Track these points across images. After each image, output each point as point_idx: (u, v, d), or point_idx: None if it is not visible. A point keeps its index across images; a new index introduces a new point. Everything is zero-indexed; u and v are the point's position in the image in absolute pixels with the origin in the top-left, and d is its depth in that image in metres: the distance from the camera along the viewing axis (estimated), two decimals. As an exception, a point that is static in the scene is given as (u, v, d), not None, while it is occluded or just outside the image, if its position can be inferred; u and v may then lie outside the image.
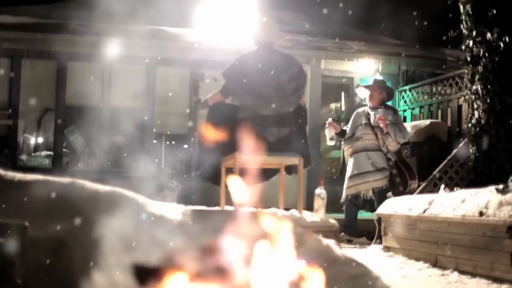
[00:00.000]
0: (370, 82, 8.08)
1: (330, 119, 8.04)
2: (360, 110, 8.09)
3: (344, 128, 8.17)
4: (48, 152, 10.51)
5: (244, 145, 5.30)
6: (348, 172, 7.87)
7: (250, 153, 5.35)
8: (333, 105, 8.42)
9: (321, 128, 9.49)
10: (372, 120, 7.73)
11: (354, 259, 2.70)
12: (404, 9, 16.06)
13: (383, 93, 7.95)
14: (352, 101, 11.73)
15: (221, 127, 5.40)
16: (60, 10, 11.50)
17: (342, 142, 8.18)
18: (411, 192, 7.75)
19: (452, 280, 5.06)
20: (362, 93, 8.17)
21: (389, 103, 11.67)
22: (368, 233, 8.14)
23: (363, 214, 8.53)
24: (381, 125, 7.54)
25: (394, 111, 7.94)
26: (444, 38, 8.40)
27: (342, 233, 7.36)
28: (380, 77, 8.43)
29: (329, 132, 7.96)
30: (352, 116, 8.15)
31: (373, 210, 7.74)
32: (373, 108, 7.83)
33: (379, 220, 7.14)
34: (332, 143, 8.12)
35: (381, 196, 7.59)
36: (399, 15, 15.95)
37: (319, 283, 2.26)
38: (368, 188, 7.68)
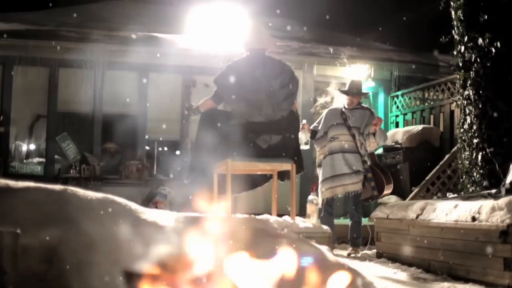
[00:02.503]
0: (348, 87, 7.62)
1: (304, 121, 6.79)
2: (333, 108, 7.67)
3: (312, 127, 7.59)
4: (40, 159, 10.47)
5: (236, 151, 5.30)
6: (323, 174, 7.39)
7: (242, 160, 5.36)
8: (319, 100, 7.68)
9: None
10: (349, 121, 7.37)
11: (347, 264, 2.70)
12: (396, 15, 16.15)
13: (361, 96, 7.67)
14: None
15: (213, 133, 5.40)
16: (52, 17, 11.49)
17: (313, 142, 7.60)
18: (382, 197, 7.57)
19: (445, 286, 5.07)
20: (340, 97, 7.69)
21: (382, 106, 11.79)
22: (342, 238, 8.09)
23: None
24: (373, 126, 7.23)
25: (371, 112, 7.55)
26: (436, 44, 8.40)
27: None
28: (357, 79, 8.01)
29: (305, 136, 6.73)
30: (324, 114, 7.67)
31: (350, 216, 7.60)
32: (350, 109, 7.46)
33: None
34: (307, 147, 6.71)
35: (357, 200, 7.35)
36: (391, 21, 16.04)
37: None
38: (344, 191, 7.24)
